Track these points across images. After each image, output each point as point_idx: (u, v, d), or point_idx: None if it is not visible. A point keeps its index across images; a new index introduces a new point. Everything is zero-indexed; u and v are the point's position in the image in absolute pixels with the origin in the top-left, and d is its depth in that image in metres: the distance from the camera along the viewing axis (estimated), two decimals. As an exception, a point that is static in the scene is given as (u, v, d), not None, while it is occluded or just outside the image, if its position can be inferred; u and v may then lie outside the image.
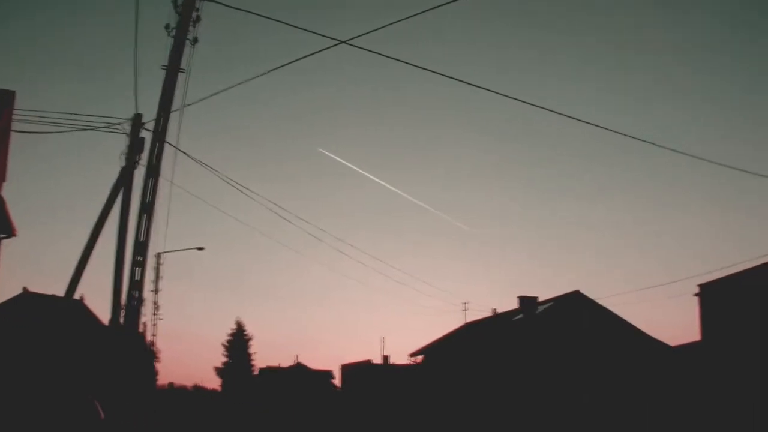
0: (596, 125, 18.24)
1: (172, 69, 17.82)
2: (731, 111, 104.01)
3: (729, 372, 34.51)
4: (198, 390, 77.22)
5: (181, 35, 17.40)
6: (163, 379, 65.66)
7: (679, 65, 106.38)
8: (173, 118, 18.49)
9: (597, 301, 41.50)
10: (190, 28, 17.55)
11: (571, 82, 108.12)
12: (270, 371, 74.30)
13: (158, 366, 53.57)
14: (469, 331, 50.61)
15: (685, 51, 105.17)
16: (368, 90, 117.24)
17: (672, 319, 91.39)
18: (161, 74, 17.75)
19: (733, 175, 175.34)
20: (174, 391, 69.33)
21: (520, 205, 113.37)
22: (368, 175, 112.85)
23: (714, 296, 37.48)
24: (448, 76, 15.94)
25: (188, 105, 18.80)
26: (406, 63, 15.80)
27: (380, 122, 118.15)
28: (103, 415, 16.91)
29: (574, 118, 17.23)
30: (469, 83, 15.75)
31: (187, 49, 17.76)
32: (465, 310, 54.42)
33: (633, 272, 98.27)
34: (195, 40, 17.85)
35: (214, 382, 79.17)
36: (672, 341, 41.89)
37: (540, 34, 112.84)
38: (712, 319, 37.47)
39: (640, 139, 18.50)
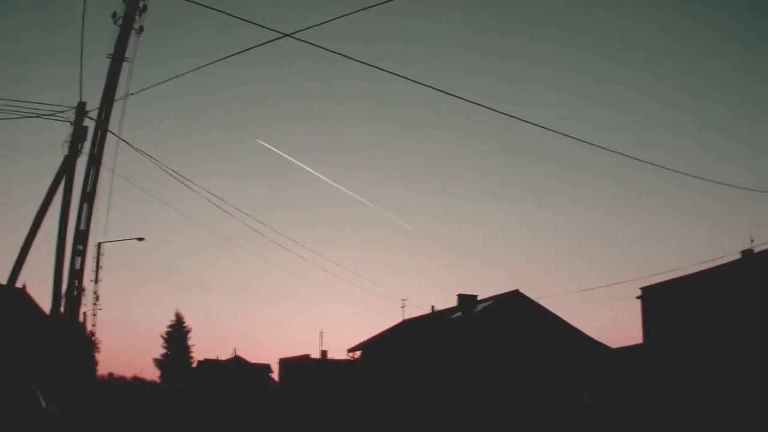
0: (537, 125, 18.71)
1: (117, 58, 17.86)
2: (679, 114, 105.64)
3: (669, 375, 34.98)
4: (137, 381, 76.55)
5: (127, 24, 17.49)
6: (103, 370, 64.93)
7: (619, 66, 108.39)
8: (117, 107, 18.57)
9: (537, 301, 41.62)
10: (136, 17, 17.65)
11: (518, 80, 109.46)
12: (209, 364, 73.97)
13: (98, 356, 52.94)
14: (407, 328, 50.73)
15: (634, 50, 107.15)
16: (313, 85, 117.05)
17: (619, 322, 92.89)
18: (107, 63, 17.76)
19: (679, 180, 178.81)
20: (114, 381, 68.56)
21: (462, 203, 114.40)
22: (310, 169, 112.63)
23: (656, 299, 37.85)
24: (393, 73, 16.21)
25: (132, 94, 18.92)
26: (349, 58, 16.00)
27: (324, 117, 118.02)
28: (44, 404, 16.84)
29: (515, 117, 17.70)
30: (414, 81, 16.03)
31: (132, 39, 17.87)
32: (404, 306, 54.92)
33: (576, 274, 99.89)
34: (141, 30, 17.97)
35: (153, 374, 78.55)
36: (620, 344, 42.57)
37: (486, 33, 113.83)
38: (653, 322, 37.79)
39: (582, 140, 19.10)
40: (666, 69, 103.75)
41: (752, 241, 36.24)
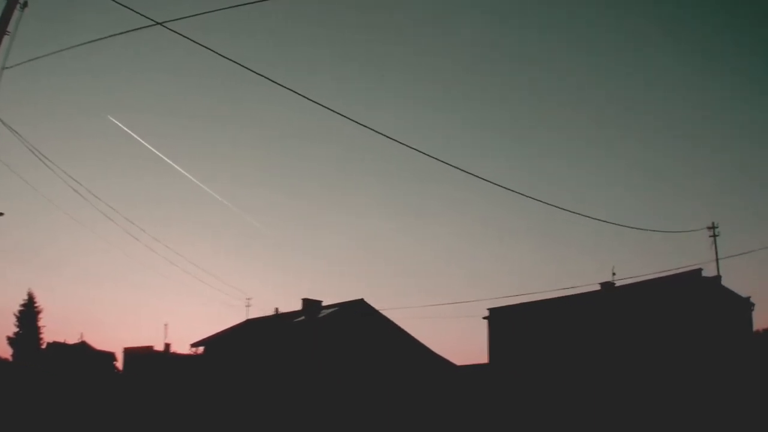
0: (401, 143, 19.73)
1: (-1, 31, 19.01)
2: (560, 146, 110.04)
3: (510, 393, 37.07)
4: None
5: (13, -2, 18.64)
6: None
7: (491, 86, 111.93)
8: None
9: (383, 312, 42.95)
10: (23, -8, 18.82)
11: (397, 103, 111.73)
12: (57, 346, 72.55)
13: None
14: (251, 327, 51.50)
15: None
16: (182, 78, 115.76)
17: (474, 340, 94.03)
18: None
19: (552, 211, 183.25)
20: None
21: (318, 209, 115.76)
22: (171, 162, 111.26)
23: (503, 321, 39.91)
24: (258, 74, 16.95)
25: (8, 68, 19.86)
26: (219, 54, 16.60)
27: (188, 112, 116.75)
28: None
29: (378, 132, 19.06)
30: (279, 84, 16.60)
31: (16, 13, 18.98)
32: (248, 306, 55.88)
33: (431, 289, 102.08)
34: (25, 5, 18.84)
35: (7, 352, 77.11)
36: (473, 361, 44.28)
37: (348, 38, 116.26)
38: (499, 342, 39.82)
39: (446, 163, 19.88)
40: (535, 87, 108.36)
41: (614, 274, 38.66)
